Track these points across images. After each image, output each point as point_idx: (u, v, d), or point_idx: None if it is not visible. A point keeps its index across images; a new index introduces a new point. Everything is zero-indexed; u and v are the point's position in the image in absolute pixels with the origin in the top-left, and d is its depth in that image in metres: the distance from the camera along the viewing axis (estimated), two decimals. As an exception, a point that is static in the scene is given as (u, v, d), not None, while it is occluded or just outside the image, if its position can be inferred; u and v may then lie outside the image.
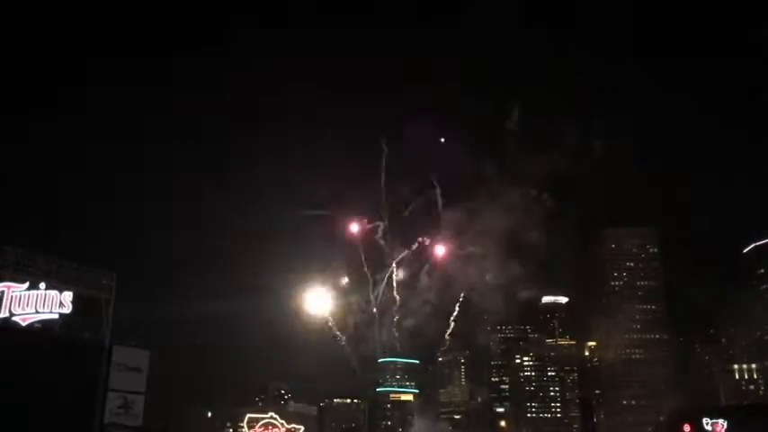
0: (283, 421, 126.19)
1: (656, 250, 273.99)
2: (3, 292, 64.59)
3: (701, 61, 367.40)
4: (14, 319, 64.81)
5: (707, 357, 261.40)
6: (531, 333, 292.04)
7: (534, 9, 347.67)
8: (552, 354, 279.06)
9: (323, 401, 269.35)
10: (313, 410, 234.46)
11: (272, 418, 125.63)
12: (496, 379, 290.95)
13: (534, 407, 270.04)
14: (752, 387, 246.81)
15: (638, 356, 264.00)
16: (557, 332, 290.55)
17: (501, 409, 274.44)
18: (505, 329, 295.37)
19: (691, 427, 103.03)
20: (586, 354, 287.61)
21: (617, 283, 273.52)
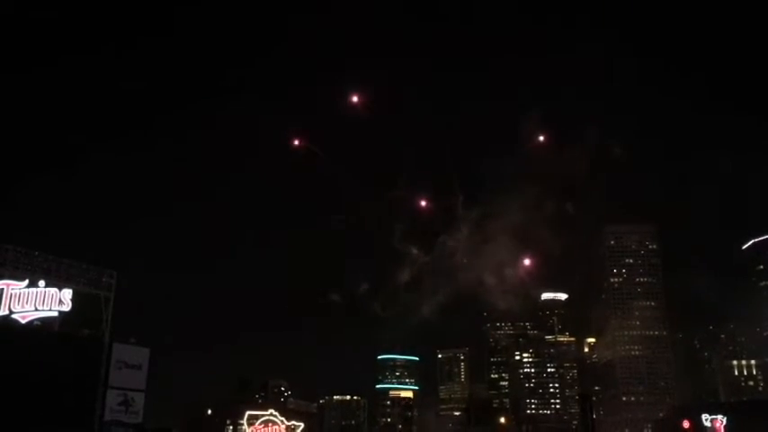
0: (283, 418, 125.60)
1: (655, 247, 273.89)
2: (2, 289, 64.38)
3: (701, 60, 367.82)
4: (14, 316, 64.64)
5: (706, 354, 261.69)
6: (530, 330, 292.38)
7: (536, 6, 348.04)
8: (552, 350, 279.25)
9: (323, 398, 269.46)
10: (313, 407, 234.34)
11: (271, 415, 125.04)
12: (496, 375, 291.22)
13: (534, 403, 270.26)
14: (751, 383, 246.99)
15: (637, 353, 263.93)
16: (556, 329, 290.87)
17: (500, 406, 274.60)
18: (505, 326, 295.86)
19: (690, 423, 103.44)
20: (586, 350, 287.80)
21: (616, 279, 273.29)
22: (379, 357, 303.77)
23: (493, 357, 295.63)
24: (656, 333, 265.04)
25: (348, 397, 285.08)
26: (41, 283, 66.47)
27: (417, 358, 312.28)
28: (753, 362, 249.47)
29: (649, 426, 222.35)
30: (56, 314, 67.40)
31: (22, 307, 65.10)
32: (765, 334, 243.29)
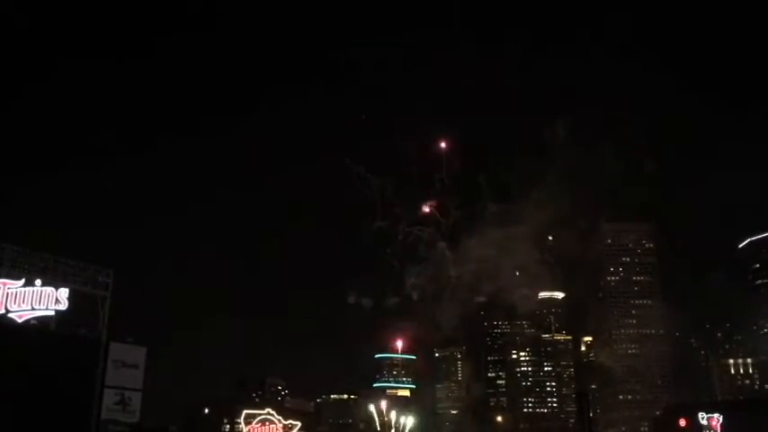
0: (280, 417, 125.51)
1: (652, 245, 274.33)
2: (-2, 288, 64.27)
3: (701, 57, 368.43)
4: (10, 315, 64.39)
5: (702, 352, 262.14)
6: (527, 328, 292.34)
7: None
8: (549, 349, 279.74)
9: (320, 397, 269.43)
10: (310, 406, 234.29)
11: (268, 414, 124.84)
12: (493, 374, 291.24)
13: (531, 402, 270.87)
14: (747, 382, 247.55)
15: (634, 351, 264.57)
16: (553, 327, 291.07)
17: (498, 404, 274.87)
18: (502, 325, 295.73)
19: (686, 421, 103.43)
20: (582, 349, 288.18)
21: (613, 278, 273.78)
22: (377, 356, 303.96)
23: (490, 356, 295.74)
24: (653, 331, 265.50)
25: (345, 396, 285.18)
26: (38, 281, 66.19)
27: (414, 357, 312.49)
28: (749, 360, 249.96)
29: (646, 424, 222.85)
30: (52, 313, 67.13)
31: (19, 306, 64.83)
32: (762, 332, 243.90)
